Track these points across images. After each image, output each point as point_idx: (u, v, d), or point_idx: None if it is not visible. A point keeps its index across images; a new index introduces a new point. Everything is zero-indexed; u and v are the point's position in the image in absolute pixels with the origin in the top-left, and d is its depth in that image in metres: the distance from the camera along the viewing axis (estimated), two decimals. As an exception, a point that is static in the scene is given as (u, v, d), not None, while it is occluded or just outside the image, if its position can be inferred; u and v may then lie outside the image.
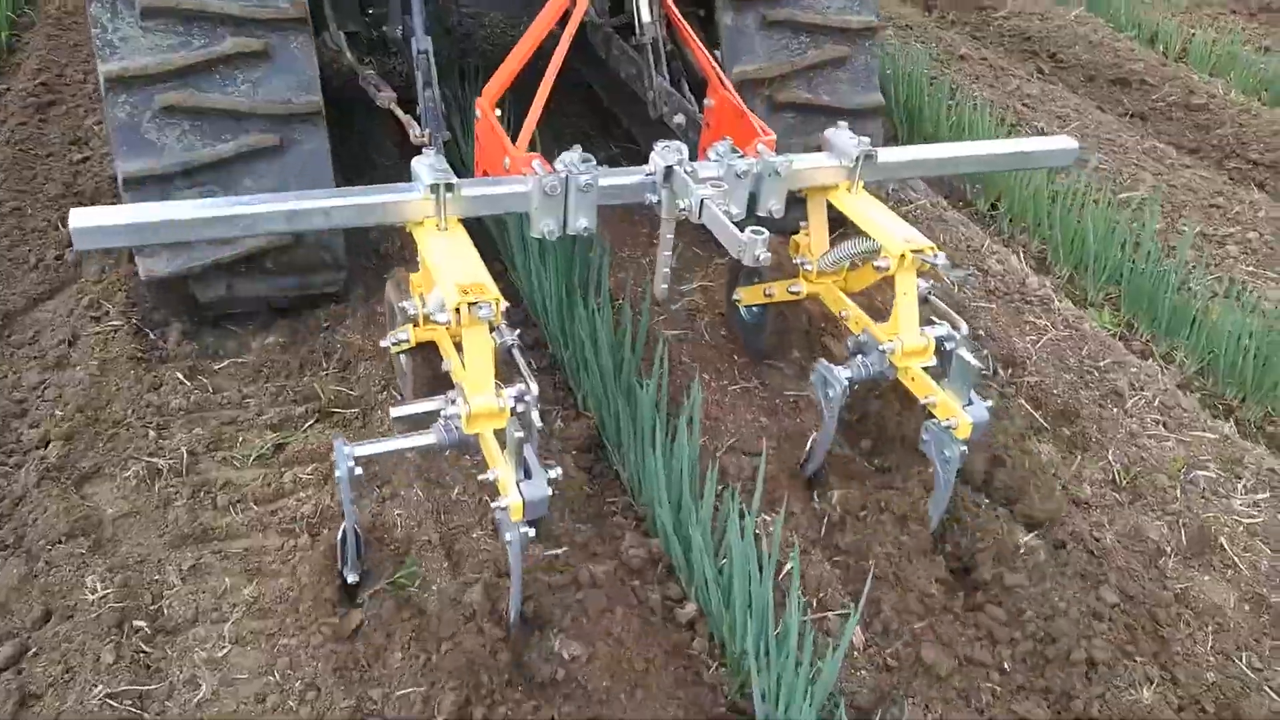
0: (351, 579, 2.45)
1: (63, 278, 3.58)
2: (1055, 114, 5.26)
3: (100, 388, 3.05)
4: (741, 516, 2.40)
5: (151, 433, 2.91)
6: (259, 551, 2.60)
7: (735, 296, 3.15)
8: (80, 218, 2.23)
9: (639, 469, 2.75)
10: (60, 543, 2.56)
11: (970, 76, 5.71)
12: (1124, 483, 2.95)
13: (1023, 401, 3.24)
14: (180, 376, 3.14)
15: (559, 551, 2.56)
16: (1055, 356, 3.45)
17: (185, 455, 2.85)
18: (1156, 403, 3.25)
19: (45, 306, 3.45)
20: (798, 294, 2.92)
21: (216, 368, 3.22)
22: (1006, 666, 2.39)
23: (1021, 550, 2.63)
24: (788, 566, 2.45)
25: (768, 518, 2.64)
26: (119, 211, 2.28)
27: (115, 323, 3.30)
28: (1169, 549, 2.73)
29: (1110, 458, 3.02)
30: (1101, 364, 3.42)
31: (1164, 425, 3.17)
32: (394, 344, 2.57)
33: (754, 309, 3.18)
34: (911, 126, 4.99)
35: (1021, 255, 4.10)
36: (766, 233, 2.34)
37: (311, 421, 3.01)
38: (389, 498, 2.72)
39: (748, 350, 3.31)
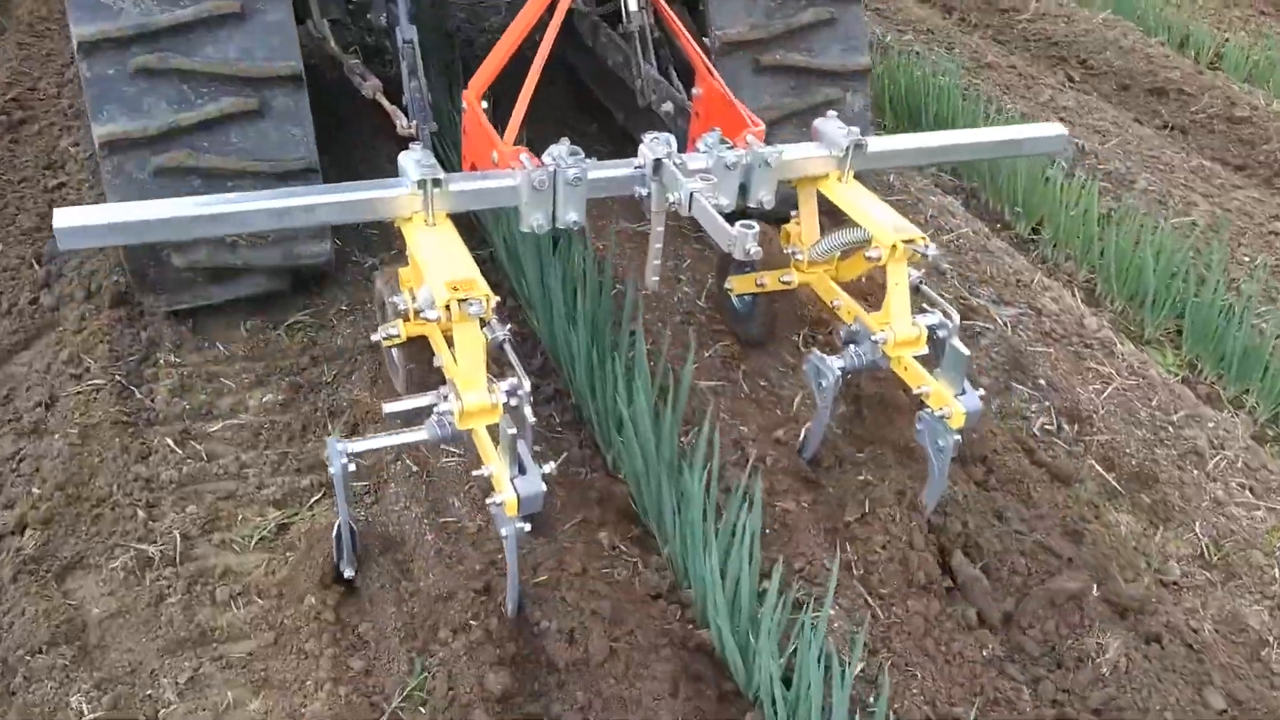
0: (348, 574, 2.43)
1: (39, 324, 3.27)
2: (1094, 128, 4.98)
3: (82, 460, 2.74)
4: (813, 627, 2.14)
5: (140, 512, 2.61)
6: (265, 656, 2.32)
7: (727, 286, 3.06)
8: (64, 218, 2.19)
9: (685, 557, 2.48)
10: (41, 652, 2.27)
11: (1000, 86, 5.43)
12: (1214, 559, 2.70)
13: (1094, 463, 2.98)
14: (171, 443, 2.83)
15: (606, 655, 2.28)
16: (1124, 409, 3.18)
17: (179, 539, 2.55)
18: (1239, 463, 3.00)
19: (19, 359, 3.13)
20: (789, 284, 2.90)
21: (210, 430, 2.92)
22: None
23: (1113, 653, 2.36)
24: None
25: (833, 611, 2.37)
26: (103, 210, 2.25)
27: (97, 381, 2.99)
28: (1272, 639, 2.48)
29: (1197, 530, 2.77)
30: (1175, 417, 3.16)
31: (1250, 490, 2.91)
32: (385, 338, 2.52)
33: (745, 298, 3.14)
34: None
35: (1074, 290, 3.83)
36: (756, 226, 2.34)
37: (318, 496, 2.71)
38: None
39: (740, 338, 3.28)
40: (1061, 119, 5.05)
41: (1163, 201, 4.37)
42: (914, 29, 6.14)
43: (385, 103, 3.25)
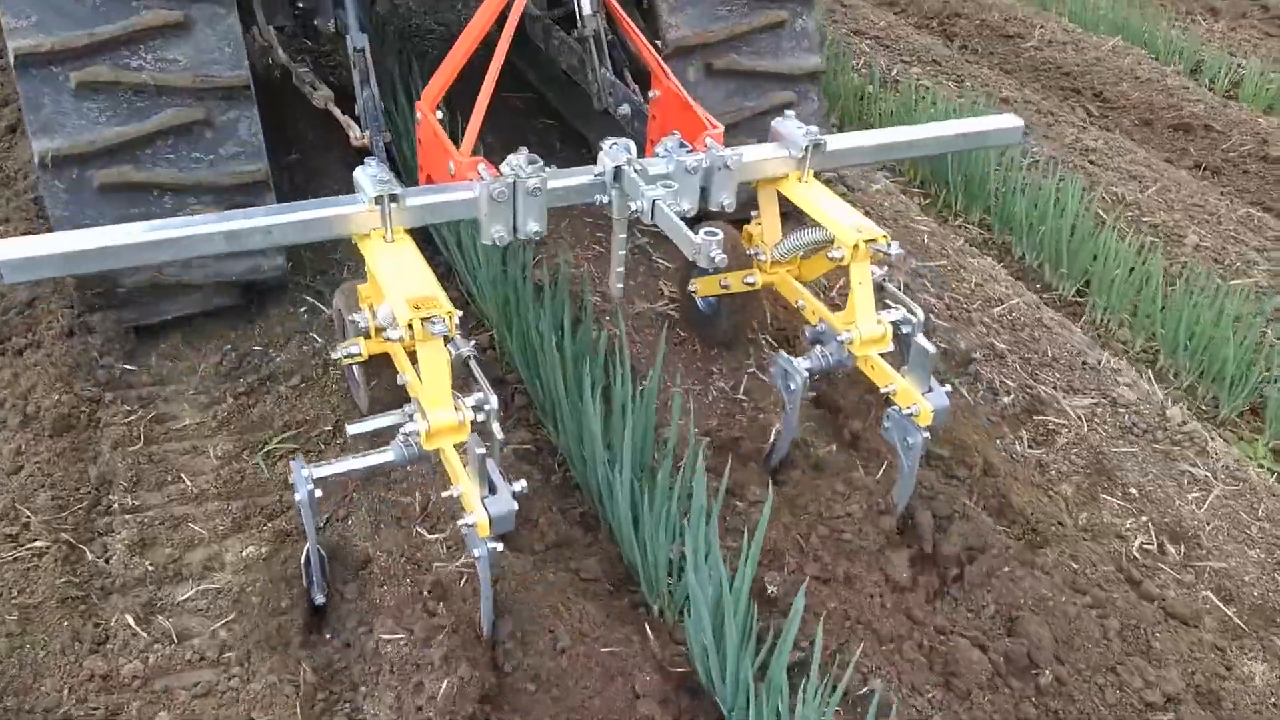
0: (319, 600, 2.38)
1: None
2: (1128, 172, 4.64)
3: (23, 658, 2.23)
4: None
5: (98, 726, 2.12)
6: None
7: (691, 288, 3.06)
8: (7, 249, 2.07)
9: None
10: None
11: (1020, 125, 5.08)
12: (1371, 720, 2.34)
13: (1209, 595, 2.61)
14: (131, 621, 2.34)
15: None
16: (1231, 524, 2.82)
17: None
18: (1371, 590, 2.65)
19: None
20: (752, 285, 2.87)
21: (181, 597, 2.43)
22: None
23: None
24: None
25: None
26: (48, 240, 2.16)
27: (39, 543, 2.49)
28: None
29: (1346, 682, 2.41)
30: (1287, 532, 2.81)
31: (1391, 622, 2.57)
32: (345, 356, 2.41)
33: (710, 299, 3.12)
34: (970, 198, 4.37)
35: (1149, 376, 3.46)
36: (720, 234, 2.43)
37: (326, 698, 2.23)
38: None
39: (704, 339, 3.24)
40: (1092, 163, 4.72)
41: (1218, 259, 4.04)
42: (918, 59, 5.78)
43: (337, 113, 3.17)
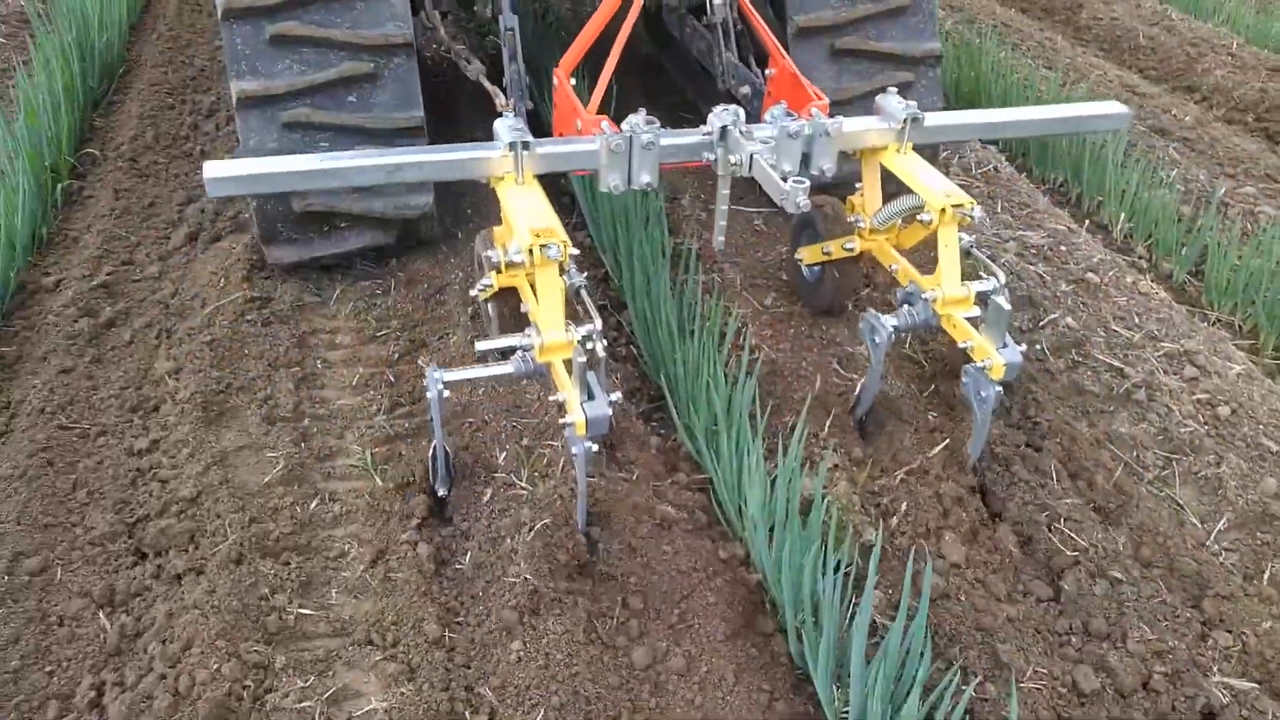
0: (441, 493, 2.66)
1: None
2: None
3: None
4: None
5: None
6: None
7: (797, 256, 3.34)
8: (213, 169, 2.52)
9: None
10: None
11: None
12: None
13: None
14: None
15: None
16: None
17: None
18: None
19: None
20: (852, 250, 3.06)
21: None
22: None
23: None
24: None
25: None
26: (244, 164, 2.56)
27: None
28: None
29: None
30: None
31: None
32: (480, 289, 2.70)
33: (814, 268, 3.33)
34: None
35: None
36: (807, 181, 2.53)
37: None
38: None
39: (809, 307, 3.45)
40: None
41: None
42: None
43: (487, 83, 3.57)
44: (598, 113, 2.82)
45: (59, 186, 4.12)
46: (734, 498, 2.62)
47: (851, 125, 2.86)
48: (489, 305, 2.83)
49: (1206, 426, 3.07)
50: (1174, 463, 2.95)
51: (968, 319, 2.64)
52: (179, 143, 4.59)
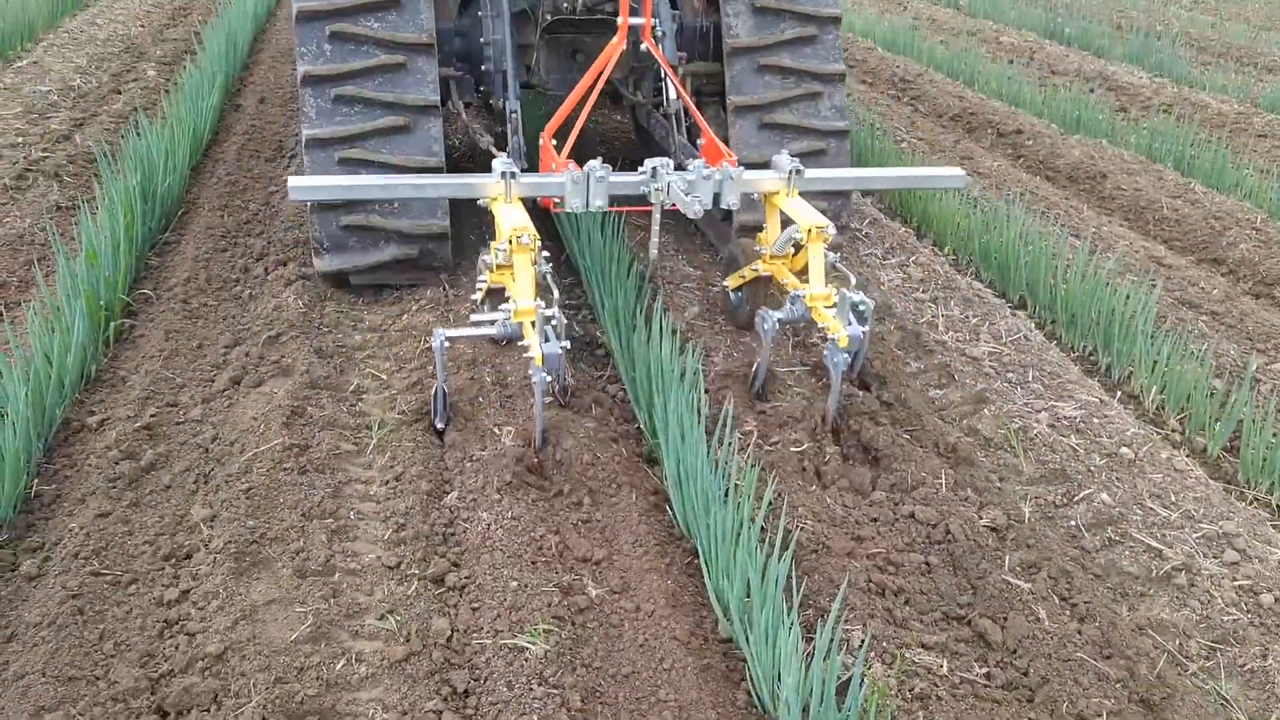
0: (439, 425, 3.61)
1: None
2: None
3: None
4: None
5: None
6: None
7: (724, 284, 4.47)
8: (296, 182, 3.73)
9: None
10: None
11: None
12: None
13: None
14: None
15: None
16: None
17: None
18: None
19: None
20: (757, 271, 4.08)
21: None
22: None
23: None
24: None
25: None
26: (320, 180, 3.97)
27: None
28: None
29: None
30: None
31: None
32: (479, 286, 3.86)
33: (738, 293, 4.40)
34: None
35: None
36: (706, 199, 3.78)
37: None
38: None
39: (735, 324, 4.50)
40: None
41: None
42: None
43: (494, 150, 4.46)
44: (567, 158, 3.91)
45: (112, 325, 4.25)
46: (769, 673, 2.57)
47: (750, 174, 3.93)
48: (486, 300, 3.90)
49: (1250, 615, 3.00)
50: (1218, 653, 2.87)
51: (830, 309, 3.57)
52: (229, 285, 4.75)
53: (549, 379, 3.22)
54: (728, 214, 4.67)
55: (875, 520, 3.30)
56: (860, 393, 3.91)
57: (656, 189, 3.81)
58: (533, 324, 3.30)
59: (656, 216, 4.00)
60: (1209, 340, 4.66)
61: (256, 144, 6.68)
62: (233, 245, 5.15)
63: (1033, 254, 5.06)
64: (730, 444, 3.35)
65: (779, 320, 3.67)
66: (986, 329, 4.65)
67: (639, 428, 3.75)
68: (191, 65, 7.42)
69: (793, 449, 3.54)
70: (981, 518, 3.33)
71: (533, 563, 2.96)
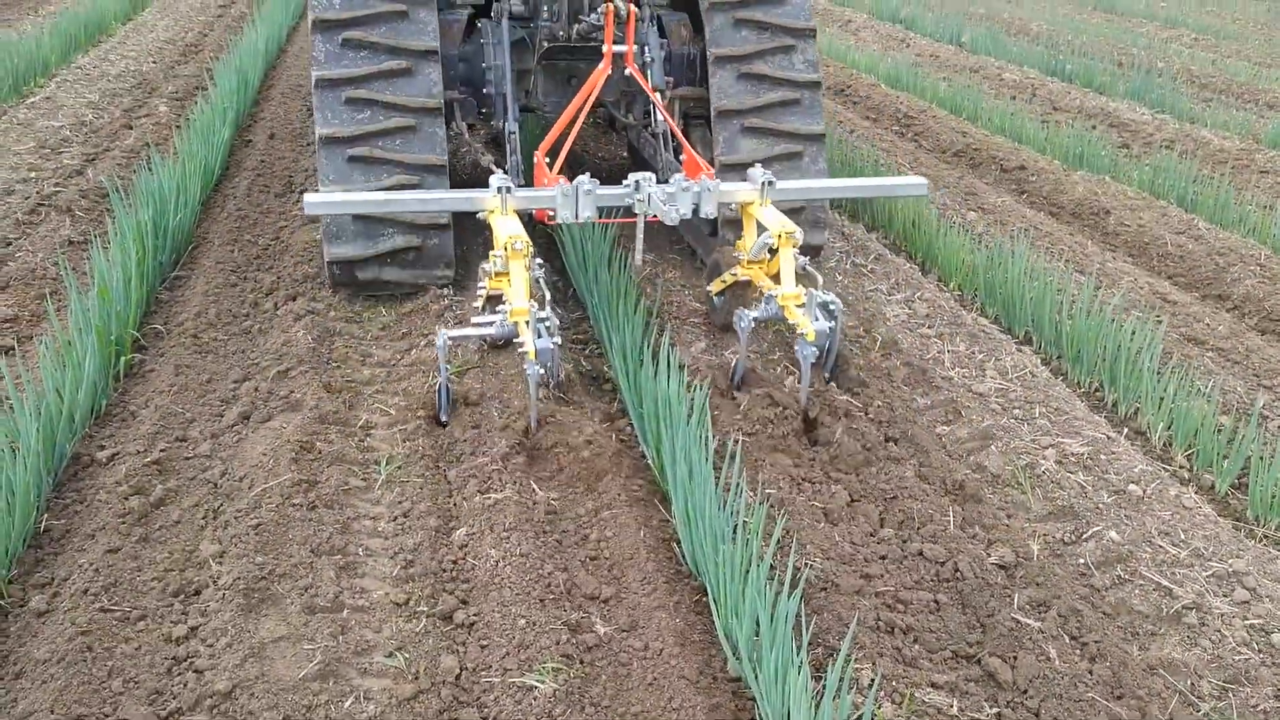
0: (443, 418, 3.90)
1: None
2: None
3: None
4: None
5: None
6: None
7: (709, 288, 4.78)
8: (313, 198, 4.16)
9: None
10: None
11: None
12: None
13: None
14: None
15: None
16: None
17: None
18: None
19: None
20: (736, 275, 4.48)
21: None
22: None
23: None
24: None
25: None
26: (334, 195, 4.34)
27: None
28: None
29: None
30: None
31: None
32: (480, 291, 4.16)
33: (720, 295, 4.71)
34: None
35: None
36: (684, 209, 4.20)
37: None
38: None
39: (717, 325, 4.79)
40: None
41: None
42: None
43: (494, 168, 4.74)
44: (558, 174, 4.28)
45: (122, 359, 4.28)
46: (779, 712, 2.56)
47: (726, 186, 4.35)
48: (486, 306, 4.19)
49: (1262, 655, 2.99)
50: (1230, 693, 2.86)
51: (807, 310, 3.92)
52: (238, 320, 4.78)
53: (542, 372, 3.58)
54: (712, 227, 5.22)
55: (884, 558, 3.30)
56: (841, 394, 4.13)
57: (639, 200, 4.17)
58: (527, 323, 3.66)
59: (640, 225, 4.40)
60: (1215, 376, 4.67)
61: (266, 179, 6.74)
62: (242, 280, 5.19)
63: (1038, 290, 5.08)
64: (738, 483, 3.35)
65: (754, 319, 4.06)
66: (993, 365, 4.67)
67: (648, 463, 3.76)
68: (203, 101, 7.51)
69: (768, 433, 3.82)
70: (990, 555, 3.33)
71: (541, 600, 2.95)
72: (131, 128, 7.79)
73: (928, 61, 11.68)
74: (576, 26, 5.15)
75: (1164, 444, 4.26)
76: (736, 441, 3.58)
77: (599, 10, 4.64)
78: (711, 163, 4.92)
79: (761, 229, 4.20)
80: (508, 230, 3.87)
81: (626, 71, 4.70)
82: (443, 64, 4.86)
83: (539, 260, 3.92)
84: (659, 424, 3.64)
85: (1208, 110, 9.78)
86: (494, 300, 4.03)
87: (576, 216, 4.13)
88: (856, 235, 6.26)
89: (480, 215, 4.12)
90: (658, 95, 5.07)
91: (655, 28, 5.35)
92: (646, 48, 5.19)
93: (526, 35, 5.34)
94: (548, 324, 3.73)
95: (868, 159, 7.35)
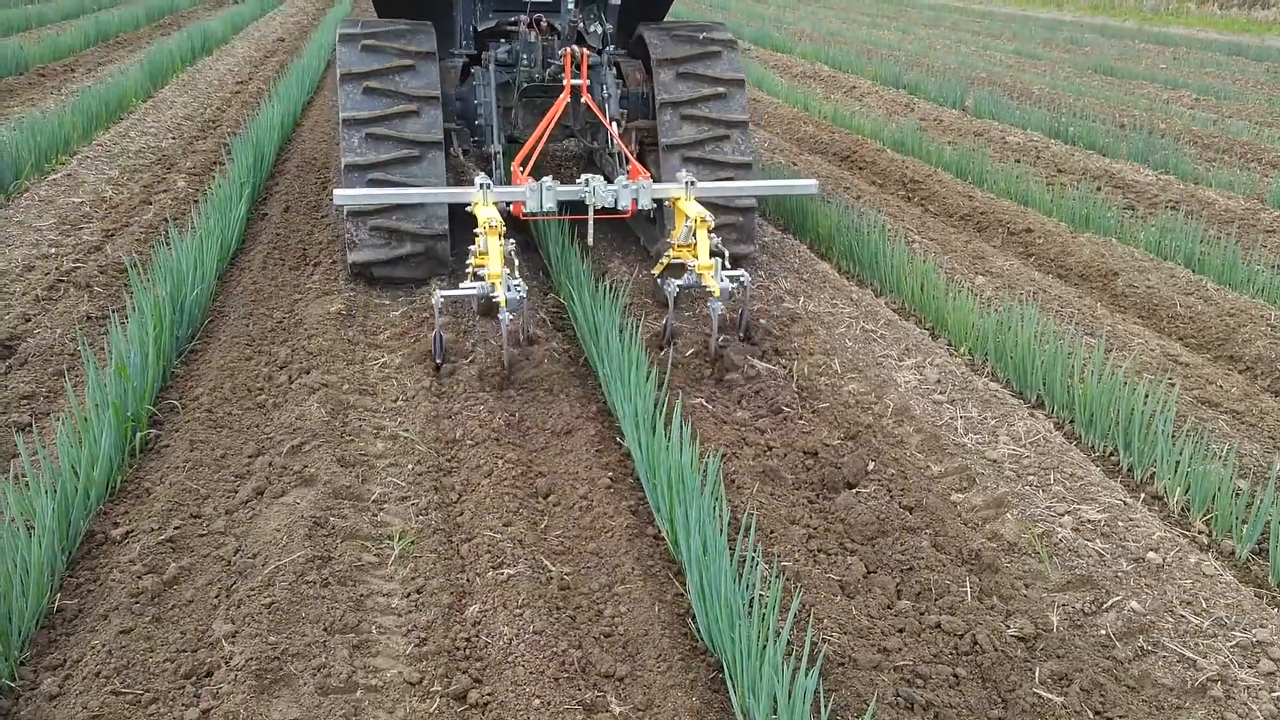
0: (438, 361, 5.09)
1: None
2: None
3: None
4: None
5: None
6: None
7: (652, 271, 5.94)
8: (341, 194, 5.56)
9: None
10: None
11: None
12: None
13: None
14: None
15: None
16: None
17: None
18: None
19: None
20: (670, 258, 5.57)
21: None
22: None
23: None
24: None
25: None
26: (358, 191, 5.72)
27: None
28: None
29: None
30: None
31: None
32: (468, 268, 5.19)
33: (662, 276, 5.63)
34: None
35: None
36: (626, 204, 5.58)
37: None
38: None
39: (659, 299, 5.90)
40: None
41: None
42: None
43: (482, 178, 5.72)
44: (529, 176, 5.58)
45: (138, 435, 4.31)
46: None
47: (658, 186, 5.63)
48: (472, 275, 5.16)
49: (1291, 729, 2.93)
50: (1260, 770, 2.79)
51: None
52: (253, 393, 4.81)
53: (512, 319, 4.77)
54: (653, 221, 6.69)
55: (901, 630, 3.26)
56: (741, 343, 5.41)
57: (588, 193, 5.47)
58: (500, 282, 4.82)
59: (591, 214, 5.55)
60: (1231, 440, 4.64)
61: (281, 252, 6.84)
62: (257, 354, 5.24)
63: (1049, 353, 5.08)
64: (753, 556, 3.33)
65: (679, 285, 5.23)
66: (1005, 430, 4.65)
67: (658, 534, 3.75)
68: (220, 176, 7.65)
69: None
70: (1009, 627, 3.29)
71: (555, 679, 2.93)
72: (150, 203, 7.94)
73: (932, 125, 11.83)
74: (548, 70, 6.36)
75: (1181, 509, 4.22)
76: (750, 514, 3.57)
77: (561, 54, 6.00)
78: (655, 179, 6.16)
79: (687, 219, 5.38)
80: (486, 215, 5.11)
81: (582, 101, 5.98)
82: (443, 102, 6.15)
83: (511, 240, 5.06)
84: (672, 496, 3.63)
85: (1211, 170, 9.86)
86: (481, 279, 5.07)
87: (541, 207, 5.39)
88: (865, 300, 6.30)
89: (468, 208, 5.31)
90: (613, 125, 6.26)
91: (614, 70, 6.72)
92: (604, 85, 6.55)
93: (510, 78, 6.66)
94: (516, 286, 4.79)
95: (874, 225, 7.42)
